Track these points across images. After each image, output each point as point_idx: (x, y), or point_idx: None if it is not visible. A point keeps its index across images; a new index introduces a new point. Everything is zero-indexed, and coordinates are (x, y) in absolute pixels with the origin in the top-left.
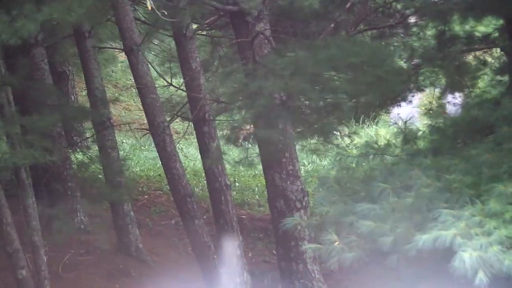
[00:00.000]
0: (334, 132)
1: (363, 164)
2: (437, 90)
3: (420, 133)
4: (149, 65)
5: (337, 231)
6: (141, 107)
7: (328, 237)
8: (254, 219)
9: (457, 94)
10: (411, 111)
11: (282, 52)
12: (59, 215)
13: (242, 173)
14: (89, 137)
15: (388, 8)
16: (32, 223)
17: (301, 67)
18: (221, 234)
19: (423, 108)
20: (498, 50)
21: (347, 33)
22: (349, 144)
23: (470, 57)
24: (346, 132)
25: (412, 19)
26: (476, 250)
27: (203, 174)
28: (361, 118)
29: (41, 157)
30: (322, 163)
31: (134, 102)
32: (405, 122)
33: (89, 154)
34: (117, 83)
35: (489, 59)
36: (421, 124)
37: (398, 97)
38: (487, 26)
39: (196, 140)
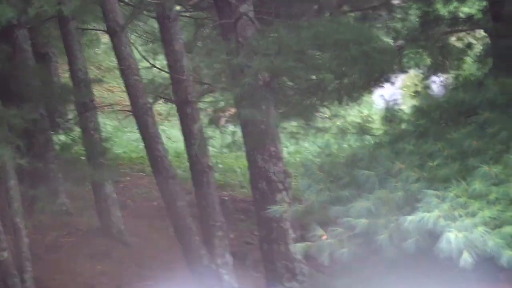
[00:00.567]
0: (316, 113)
1: (344, 145)
2: (421, 72)
3: (403, 115)
4: (132, 46)
5: (322, 222)
6: (124, 89)
7: (315, 232)
8: (236, 200)
9: (441, 75)
10: (394, 93)
11: (265, 33)
12: (41, 196)
13: (225, 154)
14: (71, 119)
15: None
16: (14, 205)
17: (286, 45)
18: (203, 216)
19: (404, 89)
20: (482, 31)
21: (330, 14)
22: (331, 126)
23: (453, 39)
24: (328, 114)
25: (395, 1)
26: (461, 231)
27: (186, 156)
28: (344, 99)
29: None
30: (304, 144)
31: (117, 84)
32: (388, 102)
33: (72, 135)
34: (100, 64)
35: (473, 41)
36: (404, 106)
37: (381, 78)
38: (470, 8)
39: (179, 122)
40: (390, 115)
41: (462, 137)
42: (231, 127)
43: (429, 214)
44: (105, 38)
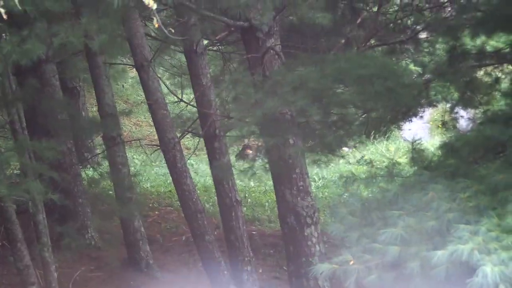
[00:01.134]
0: (342, 146)
1: (372, 184)
2: (449, 105)
3: (431, 155)
4: (160, 80)
5: (351, 251)
6: (151, 123)
7: (343, 257)
8: (264, 235)
9: (470, 110)
10: (421, 127)
11: (291, 67)
12: (68, 232)
13: (253, 189)
14: (99, 153)
15: (399, 23)
16: (43, 239)
17: (305, 81)
18: (232, 250)
19: (431, 123)
20: (510, 66)
21: (357, 48)
22: (359, 159)
23: (481, 73)
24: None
25: (422, 35)
26: (497, 265)
27: (214, 190)
28: (372, 133)
29: (49, 192)
30: (332, 178)
31: (145, 118)
32: (413, 143)
33: (100, 170)
34: (127, 98)
35: (501, 75)
36: (431, 140)
37: (409, 112)
38: (498, 41)
39: (206, 156)
40: (417, 155)
41: (491, 173)
42: (259, 162)
43: (463, 247)
44: (132, 72)
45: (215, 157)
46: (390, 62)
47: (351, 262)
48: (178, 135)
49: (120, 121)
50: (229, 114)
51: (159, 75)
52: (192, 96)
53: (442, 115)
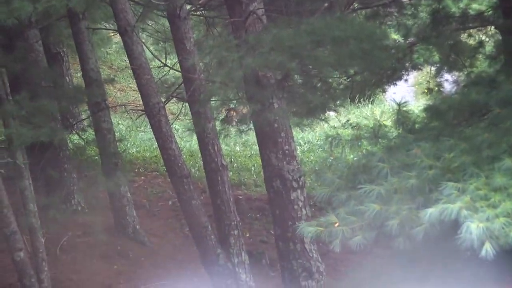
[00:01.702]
0: (327, 111)
1: (357, 147)
2: (433, 69)
3: (416, 117)
4: (144, 45)
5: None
6: (136, 88)
7: (327, 218)
8: (251, 199)
9: (454, 73)
10: (407, 90)
11: (270, 29)
12: (53, 204)
13: (239, 153)
14: (84, 119)
15: None
16: (29, 205)
17: (280, 40)
18: (218, 215)
19: (417, 86)
20: (493, 28)
21: (341, 12)
22: (344, 123)
23: (464, 35)
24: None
25: None
26: (483, 221)
27: (199, 155)
28: (357, 97)
29: (48, 135)
30: (318, 142)
31: (129, 84)
32: (399, 105)
33: (85, 137)
34: (112, 64)
35: (484, 38)
36: (417, 103)
37: (393, 75)
38: (481, 4)
39: (191, 120)
40: (402, 117)
41: (476, 133)
42: (244, 126)
43: (452, 206)
44: (116, 38)
45: (199, 121)
46: (369, 25)
47: (336, 224)
48: (163, 100)
49: (105, 87)
50: (213, 79)
51: (143, 41)
52: (176, 61)
53: (428, 81)
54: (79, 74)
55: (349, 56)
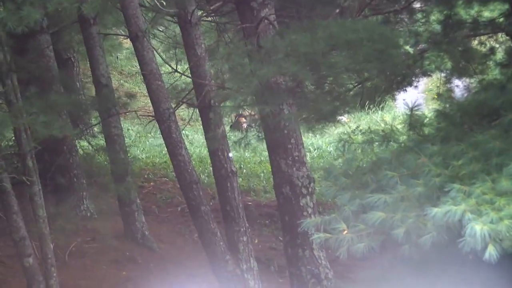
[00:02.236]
0: (337, 117)
1: (369, 151)
2: (444, 75)
3: (426, 119)
4: (154, 51)
5: (344, 219)
6: (146, 94)
7: (337, 225)
8: (260, 205)
9: (465, 80)
10: (417, 96)
11: (284, 35)
12: (63, 213)
13: (248, 159)
14: (94, 125)
15: None
16: (39, 211)
17: (296, 46)
18: (227, 221)
19: (427, 93)
20: (504, 35)
21: (352, 18)
22: (354, 129)
23: (476, 43)
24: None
25: (417, 4)
26: (487, 224)
27: (209, 161)
28: (367, 104)
29: (60, 130)
30: (328, 149)
31: (140, 89)
32: (411, 109)
33: (95, 143)
34: (122, 70)
35: (495, 45)
36: (427, 109)
37: (403, 81)
38: (492, 11)
39: (201, 126)
40: (413, 120)
41: (486, 139)
42: (254, 132)
43: (456, 208)
44: (127, 44)
45: (209, 127)
46: (380, 26)
47: (345, 232)
48: (173, 105)
49: (115, 93)
50: (224, 85)
51: (154, 47)
52: (186, 67)
53: (438, 87)
54: (89, 80)
55: (364, 58)
